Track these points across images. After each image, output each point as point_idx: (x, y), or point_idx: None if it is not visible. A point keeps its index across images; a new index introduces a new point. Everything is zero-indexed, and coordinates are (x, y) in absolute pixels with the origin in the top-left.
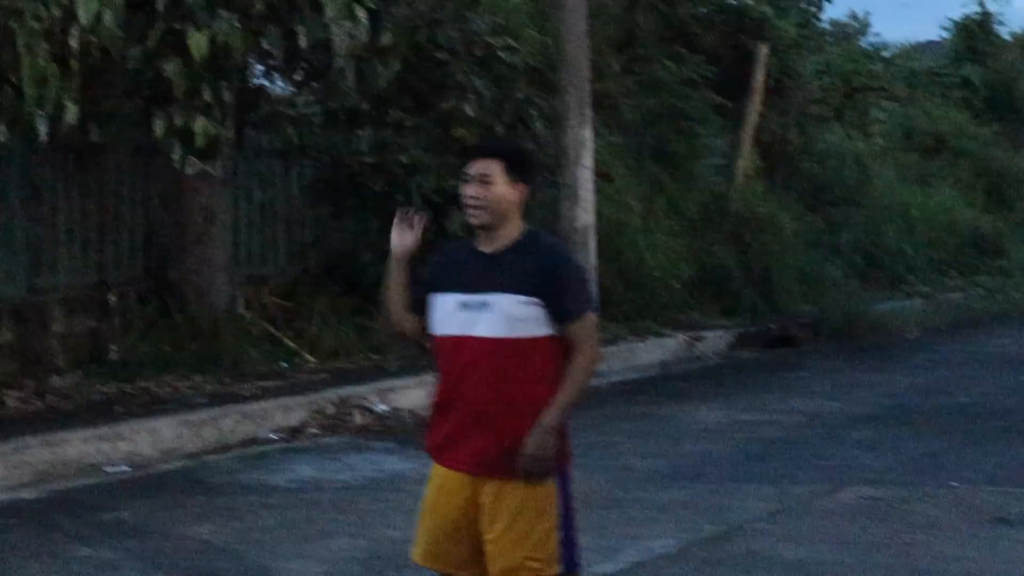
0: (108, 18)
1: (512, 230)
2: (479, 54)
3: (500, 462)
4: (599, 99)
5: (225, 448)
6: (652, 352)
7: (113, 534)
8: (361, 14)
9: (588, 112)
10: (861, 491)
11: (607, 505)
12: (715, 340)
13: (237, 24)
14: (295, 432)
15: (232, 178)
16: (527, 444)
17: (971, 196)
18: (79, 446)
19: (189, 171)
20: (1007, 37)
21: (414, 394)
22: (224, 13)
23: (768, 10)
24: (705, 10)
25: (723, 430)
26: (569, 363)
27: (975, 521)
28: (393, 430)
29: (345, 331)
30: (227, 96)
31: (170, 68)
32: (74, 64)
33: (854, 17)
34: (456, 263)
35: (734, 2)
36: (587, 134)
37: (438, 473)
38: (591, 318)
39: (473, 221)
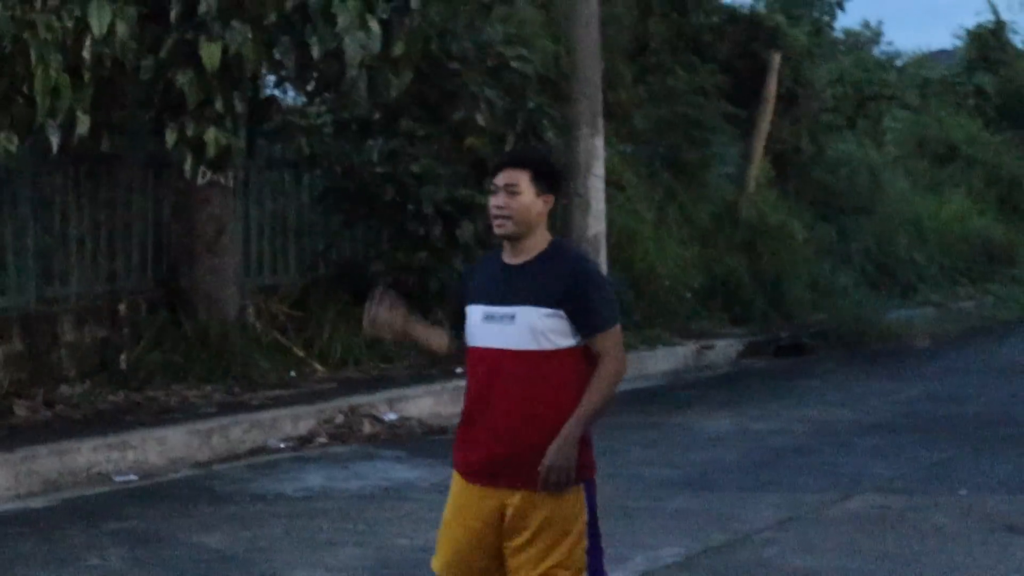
0: (121, 29)
1: (538, 241)
2: (491, 64)
3: (524, 473)
4: (611, 108)
5: (234, 457)
6: (662, 360)
7: (122, 543)
8: (373, 24)
9: (600, 121)
10: (871, 499)
11: (616, 514)
12: (725, 348)
13: (249, 35)
14: (304, 441)
15: (243, 188)
16: (548, 455)
17: (983, 204)
18: (88, 455)
19: (200, 181)
20: (1020, 46)
21: (423, 403)
22: (236, 24)
23: (781, 19)
24: (717, 19)
25: (733, 438)
26: (593, 375)
27: (986, 529)
28: (402, 439)
29: (355, 340)
30: (239, 106)
31: (182, 79)
32: (87, 75)
33: (867, 26)
34: (484, 275)
35: (746, 11)
36: (599, 143)
37: (460, 483)
38: (616, 330)
39: (499, 231)
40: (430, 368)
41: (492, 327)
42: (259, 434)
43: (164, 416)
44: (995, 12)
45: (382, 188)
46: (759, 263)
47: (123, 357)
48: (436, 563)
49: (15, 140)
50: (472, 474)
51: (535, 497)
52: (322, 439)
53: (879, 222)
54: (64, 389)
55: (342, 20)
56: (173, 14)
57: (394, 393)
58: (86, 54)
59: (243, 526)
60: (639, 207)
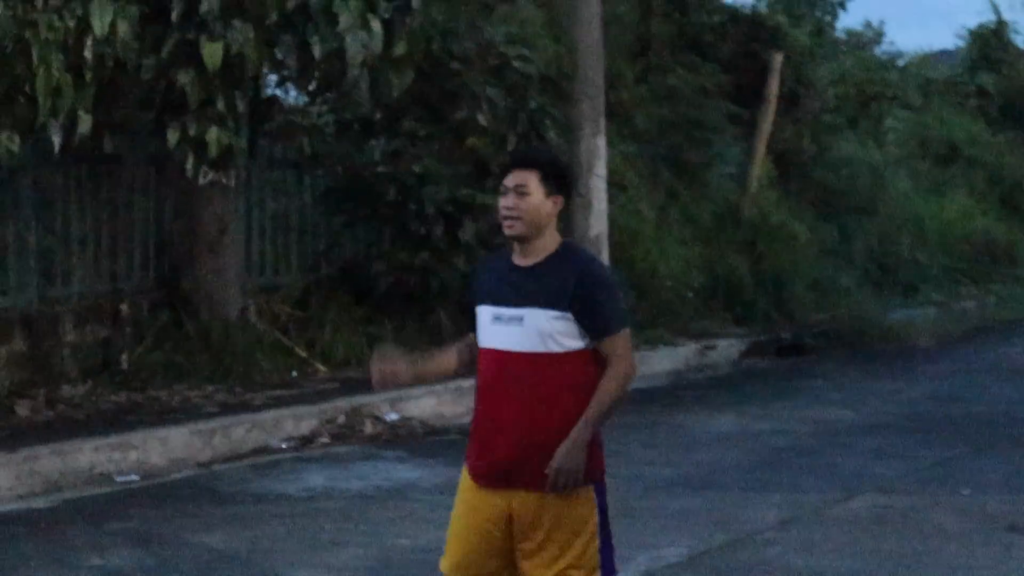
0: (123, 29)
1: (548, 243)
2: (493, 64)
3: (532, 476)
4: (613, 108)
5: (236, 457)
6: (664, 361)
7: (124, 543)
8: (375, 24)
9: (602, 121)
10: (873, 499)
11: (618, 514)
12: (727, 349)
13: (251, 34)
14: (306, 441)
15: (245, 188)
16: (557, 458)
17: (985, 205)
18: (90, 455)
19: (202, 181)
20: (1022, 46)
21: (425, 403)
22: (238, 23)
23: (782, 19)
24: (719, 19)
25: (735, 439)
26: (603, 378)
27: (987, 529)
28: (404, 439)
29: (356, 340)
30: (241, 106)
31: (184, 78)
32: (88, 75)
33: (869, 26)
34: (493, 275)
35: (748, 11)
36: (600, 143)
37: (469, 483)
38: (625, 334)
39: (508, 232)
40: None
41: (501, 328)
42: (261, 434)
43: (166, 416)
44: (997, 12)
45: (384, 188)
46: (761, 263)
47: (125, 357)
48: (444, 564)
49: (17, 140)
50: (481, 476)
51: (544, 499)
52: (324, 439)
53: (881, 222)
54: (66, 389)
55: (344, 20)
56: (175, 14)
57: (396, 393)
58: (88, 54)
59: (245, 526)
60: (641, 207)
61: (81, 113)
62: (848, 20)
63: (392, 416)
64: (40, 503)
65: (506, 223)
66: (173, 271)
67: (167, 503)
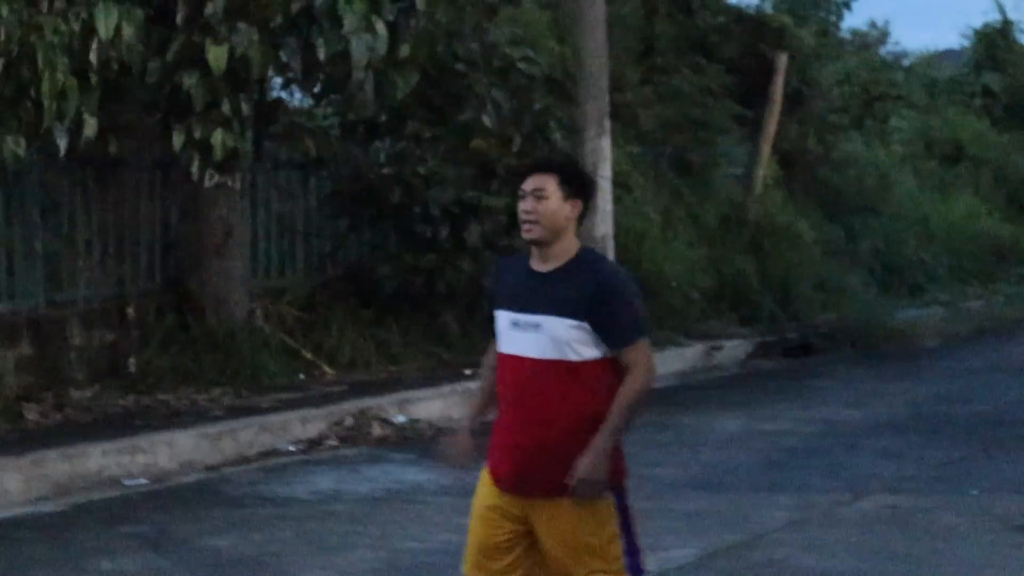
0: (127, 32)
1: (566, 248)
2: (497, 65)
3: (550, 483)
4: (618, 109)
5: (244, 460)
6: (671, 362)
7: (133, 547)
8: (379, 26)
9: (606, 122)
10: (881, 500)
11: None
12: (734, 349)
13: (256, 37)
14: (314, 444)
15: (250, 190)
16: (579, 467)
17: (991, 204)
18: (98, 459)
19: (208, 184)
20: None
21: (433, 405)
22: (243, 26)
23: (787, 19)
24: (724, 20)
25: (743, 439)
26: (621, 387)
27: (996, 529)
28: (412, 441)
29: (363, 342)
30: (246, 109)
31: (189, 81)
32: (94, 78)
33: (874, 26)
34: (511, 280)
35: (753, 12)
36: (605, 144)
37: (486, 485)
38: (643, 343)
39: (526, 236)
40: (440, 370)
41: (519, 334)
42: (269, 437)
43: (174, 419)
44: (1002, 11)
45: (389, 190)
46: (767, 264)
47: (132, 360)
48: (466, 566)
49: (23, 143)
50: (500, 480)
51: (562, 505)
52: (332, 442)
53: (887, 222)
54: (74, 393)
55: (348, 22)
56: (179, 16)
57: (404, 395)
58: (93, 57)
59: (253, 529)
60: (646, 208)
61: (86, 116)
62: (853, 20)
63: (400, 418)
64: (49, 507)
65: (524, 227)
66: (179, 274)
67: (175, 506)
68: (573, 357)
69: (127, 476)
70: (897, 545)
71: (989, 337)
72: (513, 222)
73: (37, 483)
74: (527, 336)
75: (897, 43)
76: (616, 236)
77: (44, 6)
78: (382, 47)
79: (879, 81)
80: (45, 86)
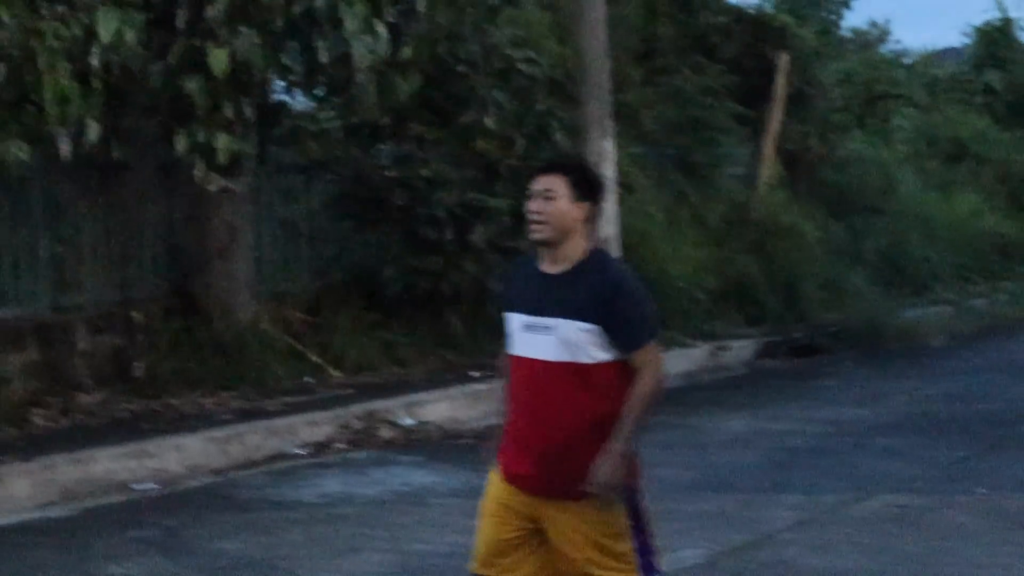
0: (129, 36)
1: (576, 249)
2: (499, 67)
3: (559, 484)
4: (620, 110)
5: (252, 464)
6: (677, 363)
7: (141, 551)
8: (381, 29)
9: (609, 123)
10: (889, 499)
11: None
12: (740, 350)
13: (257, 40)
14: (322, 447)
15: (254, 194)
16: (597, 472)
17: (994, 202)
18: (106, 463)
19: (211, 187)
20: None
21: (441, 407)
22: (244, 29)
23: (788, 19)
24: (725, 19)
25: (749, 440)
26: (632, 389)
27: (1004, 528)
28: (420, 444)
29: (369, 345)
30: (248, 112)
31: (191, 85)
32: (96, 82)
33: (874, 25)
34: (521, 282)
35: (754, 11)
36: (608, 145)
37: (497, 483)
38: (653, 345)
39: (534, 236)
40: (446, 372)
41: (530, 337)
42: (276, 440)
43: (181, 424)
44: (1002, 9)
45: (393, 192)
46: (772, 263)
47: (138, 365)
48: (474, 563)
49: (26, 148)
50: (510, 479)
51: (572, 506)
52: (339, 445)
53: (891, 221)
54: (81, 397)
55: (350, 25)
56: (180, 20)
57: (411, 398)
58: (94, 61)
59: (262, 533)
60: (650, 209)
61: (89, 121)
62: (854, 19)
63: (408, 421)
64: (57, 512)
65: (532, 227)
66: (184, 278)
67: (184, 510)
68: (584, 359)
69: (135, 480)
70: (904, 544)
71: (994, 335)
72: (517, 223)
73: (45, 488)
74: (539, 339)
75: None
76: (620, 237)
77: (45, 11)
78: (383, 49)
79: (880, 80)
80: (47, 91)
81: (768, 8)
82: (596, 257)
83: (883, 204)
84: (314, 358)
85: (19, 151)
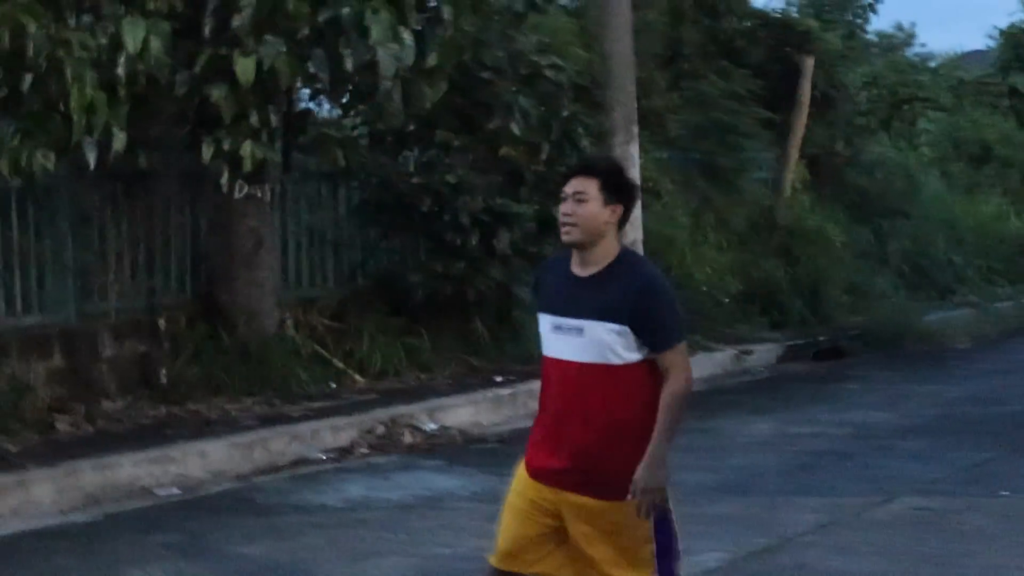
0: (155, 45)
1: (607, 252)
2: (525, 73)
3: (588, 483)
4: (645, 115)
5: (275, 469)
6: (701, 366)
7: (164, 556)
8: (406, 36)
9: (634, 128)
10: (912, 502)
11: None
12: (764, 353)
13: (283, 48)
14: (345, 452)
15: (280, 201)
16: (638, 478)
17: (1020, 205)
18: (130, 469)
19: (237, 195)
20: None
21: (463, 412)
22: (270, 38)
23: (813, 23)
24: (750, 24)
25: (772, 443)
26: (662, 391)
27: None
28: (443, 448)
29: (394, 350)
30: (274, 120)
31: (217, 93)
32: (122, 92)
33: (900, 28)
34: (552, 283)
35: (779, 15)
36: (634, 150)
37: (523, 475)
38: (682, 346)
39: (565, 238)
40: (470, 378)
41: (561, 338)
42: (300, 446)
43: (205, 429)
44: None
45: (418, 199)
46: (796, 267)
47: (163, 371)
48: (494, 556)
49: (52, 157)
50: (537, 475)
51: (595, 505)
52: (363, 450)
53: (915, 224)
54: (105, 404)
55: (375, 32)
56: (207, 29)
57: (434, 403)
58: (121, 71)
59: (285, 537)
60: (675, 213)
61: (115, 130)
62: (879, 23)
63: (431, 426)
64: (81, 517)
65: (563, 229)
66: (210, 285)
67: (207, 515)
68: (615, 360)
69: (159, 486)
70: (927, 547)
71: (1019, 338)
72: (542, 229)
73: (69, 494)
74: (569, 340)
75: (923, 45)
76: (645, 241)
77: (72, 21)
78: (409, 57)
79: (906, 83)
80: (74, 100)
81: (793, 12)
82: (627, 259)
83: (908, 207)
84: (338, 364)
85: (45, 160)
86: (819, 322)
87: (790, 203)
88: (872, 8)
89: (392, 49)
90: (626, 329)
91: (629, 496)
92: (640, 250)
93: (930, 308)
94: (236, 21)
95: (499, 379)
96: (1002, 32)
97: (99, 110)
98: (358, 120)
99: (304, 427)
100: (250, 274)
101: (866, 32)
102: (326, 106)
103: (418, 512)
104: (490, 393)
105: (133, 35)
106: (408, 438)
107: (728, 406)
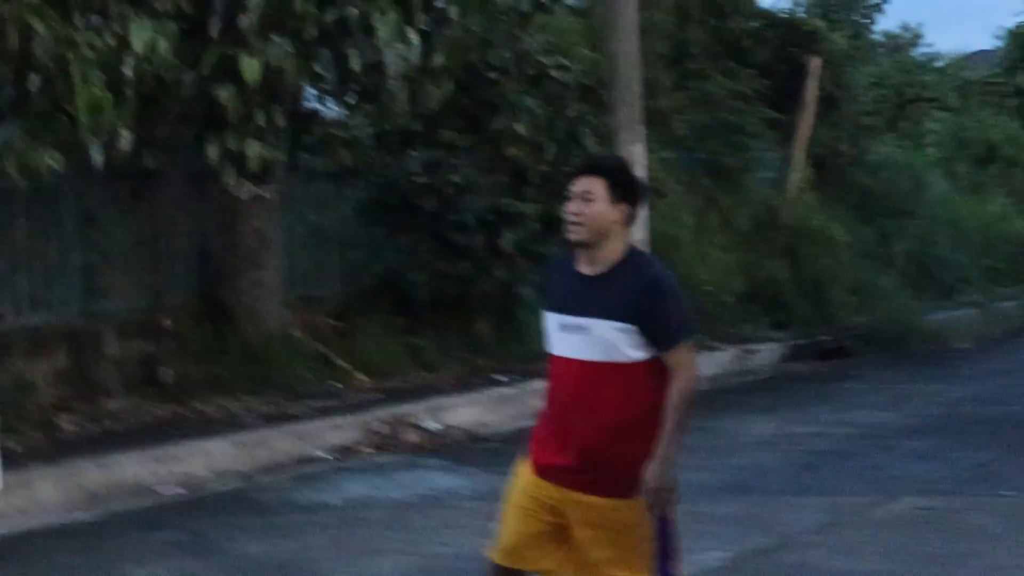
0: (162, 46)
1: (613, 251)
2: (531, 73)
3: (591, 480)
4: (651, 115)
5: (278, 468)
6: (705, 366)
7: (167, 555)
8: (413, 36)
9: (640, 128)
10: (914, 502)
11: None
12: (768, 353)
13: (290, 48)
14: (347, 451)
15: (285, 201)
16: (648, 478)
17: None
18: (133, 468)
19: (243, 195)
20: None
21: (465, 412)
22: (276, 38)
23: (820, 23)
24: (756, 24)
25: (775, 442)
26: (669, 390)
27: None
28: (445, 448)
29: (397, 350)
30: (280, 120)
31: (223, 93)
32: (128, 92)
33: (906, 28)
34: (559, 281)
35: (785, 15)
36: (639, 150)
37: (526, 477)
38: (688, 345)
39: (572, 238)
40: (473, 377)
41: (567, 337)
42: (303, 445)
43: (208, 428)
44: None
45: (423, 199)
46: (801, 267)
47: (167, 370)
48: (494, 552)
49: (58, 157)
50: (542, 471)
51: (597, 503)
52: (365, 449)
53: (920, 224)
54: (109, 403)
55: (382, 32)
56: (213, 29)
57: (437, 402)
58: (128, 71)
59: (287, 536)
60: (680, 213)
61: (122, 130)
62: (885, 23)
63: (433, 425)
64: (84, 516)
65: (570, 228)
66: (214, 285)
67: (209, 514)
68: (620, 359)
69: (162, 485)
70: (930, 547)
71: (1023, 338)
72: (547, 229)
73: (72, 492)
74: (575, 338)
75: (930, 45)
76: (650, 241)
77: (79, 21)
78: (415, 57)
79: (912, 83)
80: (80, 100)
81: (800, 12)
82: (634, 257)
83: (913, 207)
84: (342, 363)
85: (52, 160)
86: (823, 322)
87: (795, 203)
88: (879, 8)
89: (398, 49)
90: (631, 327)
91: (638, 495)
92: (645, 250)
93: (934, 308)
94: (243, 21)
95: (502, 379)
96: (1009, 32)
97: (105, 110)
98: (364, 120)
99: (307, 426)
100: (255, 274)
101: (872, 32)
102: (332, 106)
103: (420, 511)
104: (493, 393)
105: (140, 36)
106: (411, 437)
107: (731, 405)
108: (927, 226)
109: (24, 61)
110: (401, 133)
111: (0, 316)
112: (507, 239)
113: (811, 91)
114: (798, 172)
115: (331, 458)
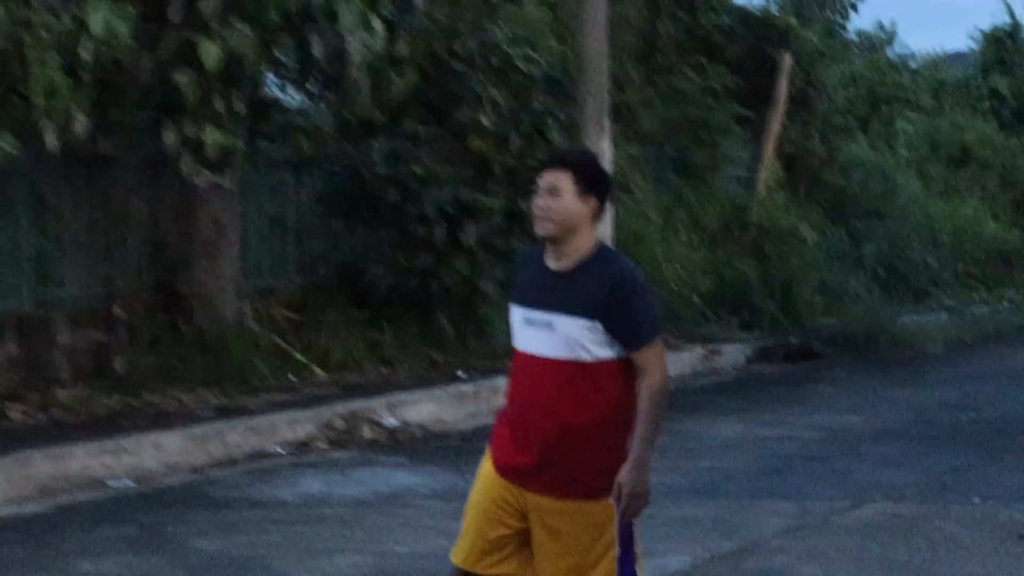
0: (120, 29)
1: (581, 246)
2: (497, 64)
3: (554, 481)
4: (619, 109)
5: (231, 462)
6: (670, 366)
7: (117, 548)
8: (376, 24)
9: (607, 123)
10: (882, 507)
11: None
12: (734, 354)
13: (250, 34)
14: (303, 446)
15: (243, 189)
16: (623, 483)
17: (998, 208)
18: (83, 460)
19: (199, 183)
20: None
21: (424, 408)
22: (237, 23)
23: (793, 20)
24: (728, 20)
25: (741, 445)
26: (640, 391)
27: (998, 538)
28: (403, 444)
29: (355, 343)
30: (239, 107)
31: (182, 79)
32: (86, 76)
33: (881, 27)
34: (527, 275)
35: (758, 12)
36: (605, 145)
37: (489, 470)
38: (657, 343)
39: (539, 232)
40: (432, 373)
41: (531, 332)
42: (257, 439)
43: (161, 420)
44: (1011, 14)
45: (384, 190)
46: (769, 267)
47: (119, 361)
48: (456, 554)
49: (12, 140)
50: (504, 472)
51: (561, 505)
52: (321, 444)
53: (892, 226)
54: (59, 392)
55: (345, 19)
56: (173, 13)
57: (395, 398)
58: (85, 54)
59: (241, 532)
60: (646, 209)
61: (76, 114)
62: (860, 22)
63: (391, 421)
64: (32, 508)
65: (537, 222)
66: (169, 274)
67: (161, 508)
68: (585, 357)
69: (112, 477)
70: (897, 554)
71: (994, 344)
72: (510, 223)
73: (20, 484)
74: (539, 334)
75: (904, 45)
76: (616, 238)
77: (36, 3)
78: (379, 45)
79: (885, 83)
80: (35, 83)
81: (772, 9)
82: (602, 253)
83: (885, 209)
84: (298, 356)
85: (5, 143)
86: (791, 323)
87: (764, 202)
88: (853, 7)
89: (361, 37)
90: (597, 325)
91: (611, 499)
92: (610, 246)
93: (905, 311)
94: (204, 6)
95: (462, 375)
96: (984, 34)
97: (61, 94)
98: (325, 109)
99: (262, 420)
100: (210, 263)
101: (846, 31)
102: (292, 94)
103: (377, 509)
104: (453, 389)
105: (98, 18)
106: (368, 433)
107: (696, 407)
108: (899, 228)
109: None
110: (363, 123)
111: None
112: (469, 232)
113: (782, 88)
114: (767, 170)
115: (286, 453)
